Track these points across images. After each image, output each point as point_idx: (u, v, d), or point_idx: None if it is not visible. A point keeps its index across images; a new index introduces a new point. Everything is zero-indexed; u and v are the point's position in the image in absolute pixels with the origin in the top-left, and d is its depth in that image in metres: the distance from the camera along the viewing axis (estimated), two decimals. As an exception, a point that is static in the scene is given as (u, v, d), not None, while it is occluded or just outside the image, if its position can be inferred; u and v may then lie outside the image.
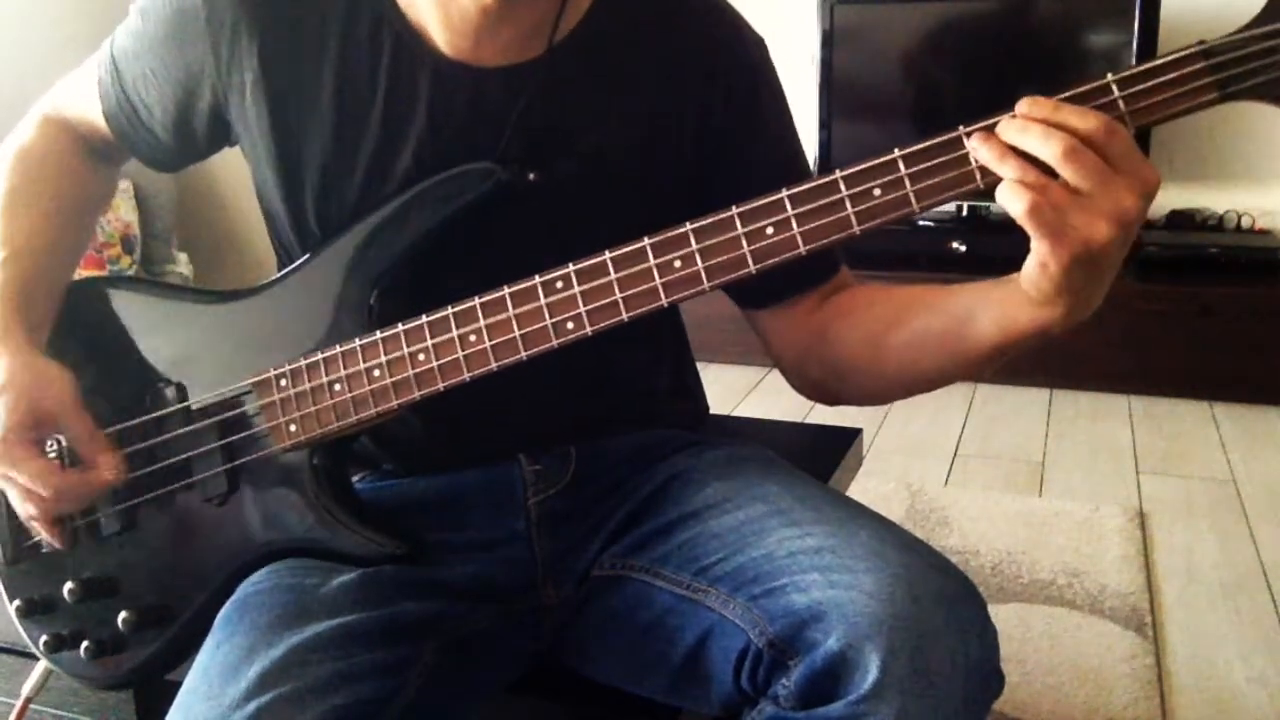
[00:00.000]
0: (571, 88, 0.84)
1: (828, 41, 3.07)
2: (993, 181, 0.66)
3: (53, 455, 0.85)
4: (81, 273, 0.94)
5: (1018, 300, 0.71)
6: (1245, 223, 2.96)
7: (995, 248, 2.89)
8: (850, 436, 1.38)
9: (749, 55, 0.90)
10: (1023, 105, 0.65)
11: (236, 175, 3.41)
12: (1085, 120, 0.63)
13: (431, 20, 0.82)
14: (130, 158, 0.97)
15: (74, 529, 0.87)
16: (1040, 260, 0.66)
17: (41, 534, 0.85)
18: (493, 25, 0.80)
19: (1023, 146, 0.64)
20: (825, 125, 3.08)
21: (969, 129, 0.66)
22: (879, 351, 0.84)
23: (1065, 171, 0.63)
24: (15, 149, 0.94)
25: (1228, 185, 3.05)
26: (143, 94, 0.89)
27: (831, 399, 0.93)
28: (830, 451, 1.33)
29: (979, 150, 0.65)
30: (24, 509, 0.83)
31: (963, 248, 2.98)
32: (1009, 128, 0.65)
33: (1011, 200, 0.64)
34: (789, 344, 0.92)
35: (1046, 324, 0.71)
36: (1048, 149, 0.63)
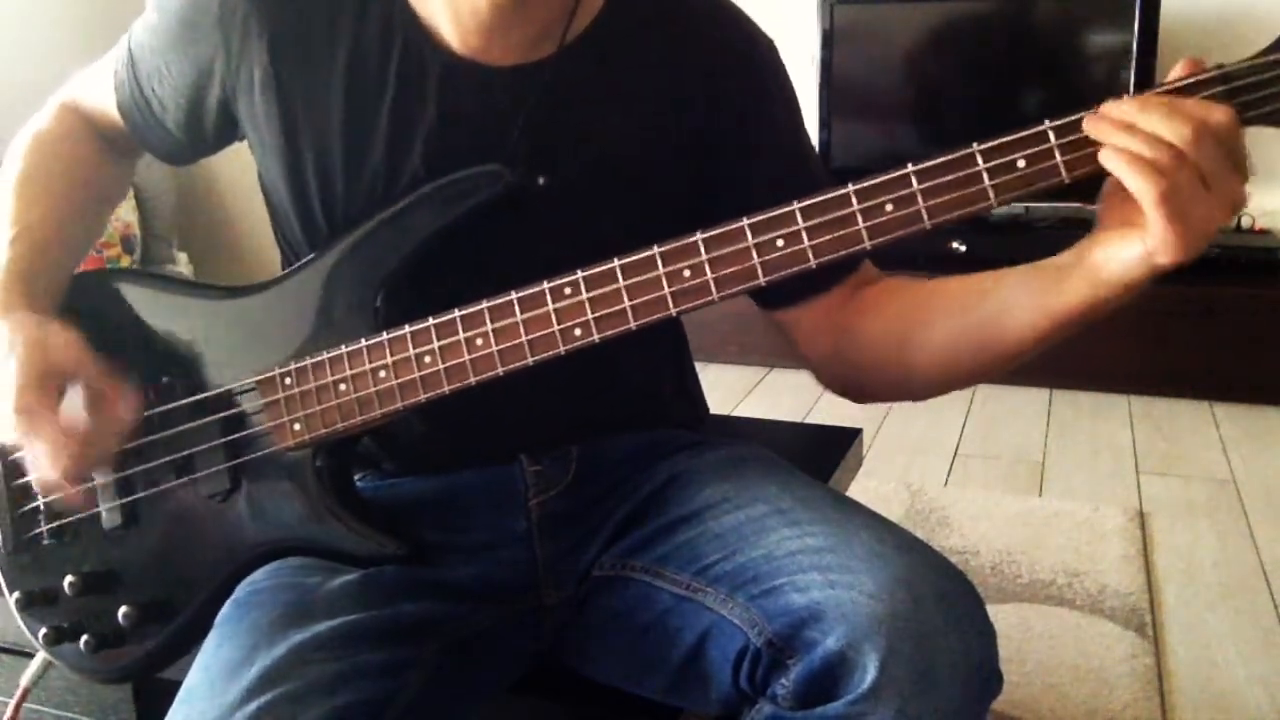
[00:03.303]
0: (581, 88, 0.84)
1: (828, 41, 3.07)
2: (1007, 200, 0.66)
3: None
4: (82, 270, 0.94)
5: (1064, 285, 0.71)
6: (1245, 223, 2.96)
7: (995, 248, 2.88)
8: (850, 436, 1.38)
9: (759, 58, 0.90)
10: (1143, 96, 0.64)
11: (236, 175, 3.41)
12: (1213, 112, 0.62)
13: (442, 18, 0.82)
14: (144, 152, 0.97)
15: (77, 522, 0.87)
16: (1150, 249, 0.64)
17: (69, 494, 0.82)
18: (504, 24, 0.80)
19: (1146, 125, 0.62)
20: (825, 125, 3.08)
21: (982, 146, 0.66)
22: (914, 348, 0.83)
23: (1197, 154, 0.61)
24: (33, 133, 0.94)
25: (1228, 185, 3.04)
26: (156, 88, 0.90)
27: (862, 396, 0.92)
28: (830, 451, 1.33)
29: (1097, 125, 0.63)
30: (52, 463, 0.79)
31: (963, 248, 2.98)
32: (1127, 107, 0.63)
33: (1144, 182, 0.62)
34: (815, 341, 0.91)
35: (1097, 305, 0.70)
36: (1177, 130, 0.62)
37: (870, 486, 2.28)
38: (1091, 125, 0.64)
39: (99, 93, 0.95)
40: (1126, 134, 0.63)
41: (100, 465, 0.83)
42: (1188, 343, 2.78)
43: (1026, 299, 0.75)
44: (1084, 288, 0.71)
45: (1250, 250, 2.85)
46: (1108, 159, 0.64)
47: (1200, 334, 2.77)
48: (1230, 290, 2.76)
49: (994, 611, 0.72)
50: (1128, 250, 0.67)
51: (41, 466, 0.79)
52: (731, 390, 2.96)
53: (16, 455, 0.88)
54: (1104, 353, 2.80)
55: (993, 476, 2.40)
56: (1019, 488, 2.34)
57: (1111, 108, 0.64)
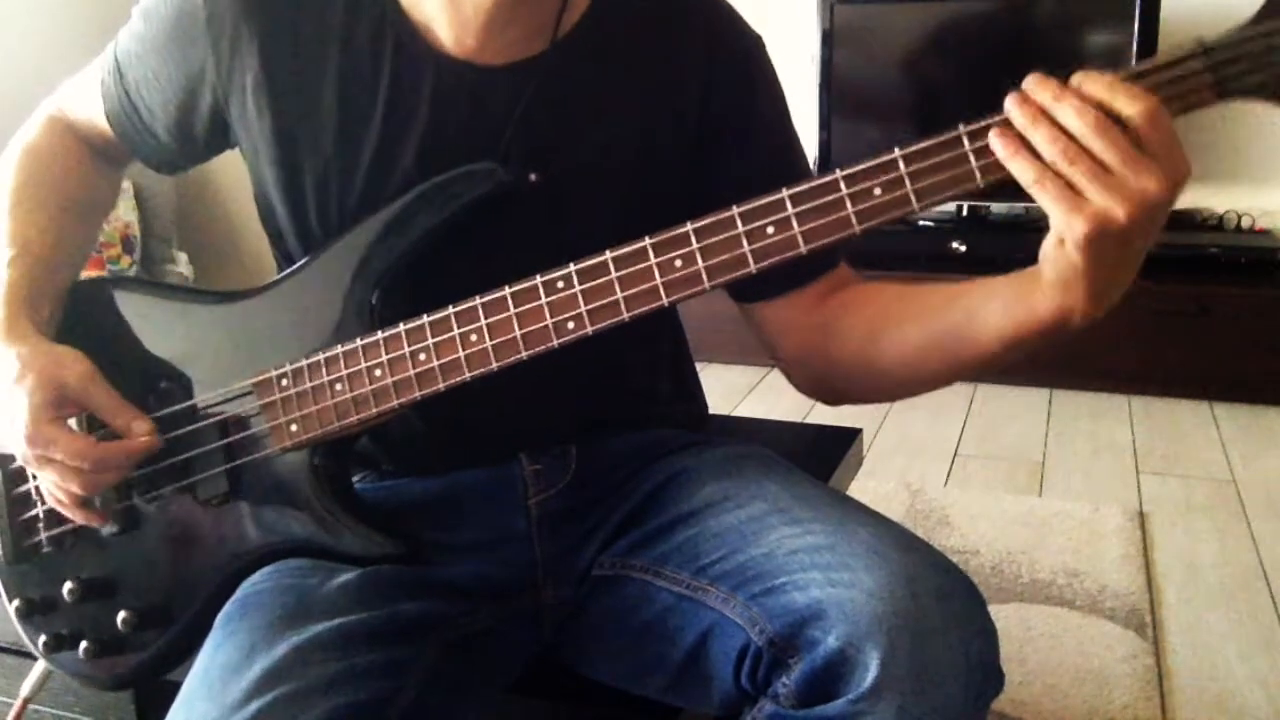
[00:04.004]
0: (573, 84, 0.84)
1: (828, 41, 3.07)
2: (992, 181, 0.66)
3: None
4: (83, 273, 0.94)
5: (1033, 288, 0.70)
6: (1245, 223, 2.96)
7: (995, 248, 2.89)
8: (850, 436, 1.38)
9: (745, 48, 0.90)
10: (1075, 79, 0.64)
11: (236, 175, 3.40)
12: (1132, 102, 0.62)
13: (438, 17, 0.82)
14: (134, 160, 0.97)
15: (76, 528, 0.87)
16: (1057, 235, 0.65)
17: (81, 518, 0.83)
18: (503, 21, 0.80)
19: (1055, 114, 0.63)
20: (825, 125, 3.08)
21: (969, 128, 0.66)
22: (883, 349, 0.84)
23: (1094, 144, 0.62)
24: (22, 147, 0.94)
25: (1228, 185, 3.05)
26: (145, 96, 0.89)
27: (833, 397, 0.93)
28: (830, 451, 1.33)
29: (1012, 110, 0.64)
30: (66, 488, 0.80)
31: (962, 248, 2.98)
32: (1044, 91, 0.63)
33: (1023, 170, 0.63)
34: (788, 339, 0.92)
35: (1061, 313, 0.70)
36: (1080, 120, 0.62)
37: (870, 486, 2.28)
38: (1011, 109, 0.64)
39: (86, 102, 0.94)
40: (1031, 125, 0.63)
41: (113, 485, 0.83)
42: (1188, 343, 2.79)
43: (996, 306, 0.75)
44: (1039, 294, 0.71)
45: (1250, 250, 2.85)
46: (994, 138, 0.65)
47: (1200, 334, 2.77)
48: (1230, 290, 2.76)
49: (994, 611, 0.72)
50: (1049, 239, 0.67)
51: (53, 494, 0.82)
52: (731, 390, 2.96)
53: (16, 464, 0.88)
54: (1104, 353, 2.80)
55: (993, 476, 2.40)
56: (1019, 488, 2.34)
57: (1039, 93, 0.64)
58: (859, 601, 0.68)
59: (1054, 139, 0.63)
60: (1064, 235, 0.64)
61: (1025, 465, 2.46)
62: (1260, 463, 2.43)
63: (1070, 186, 0.63)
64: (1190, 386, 2.83)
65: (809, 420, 2.45)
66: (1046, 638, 1.70)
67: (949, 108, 3.06)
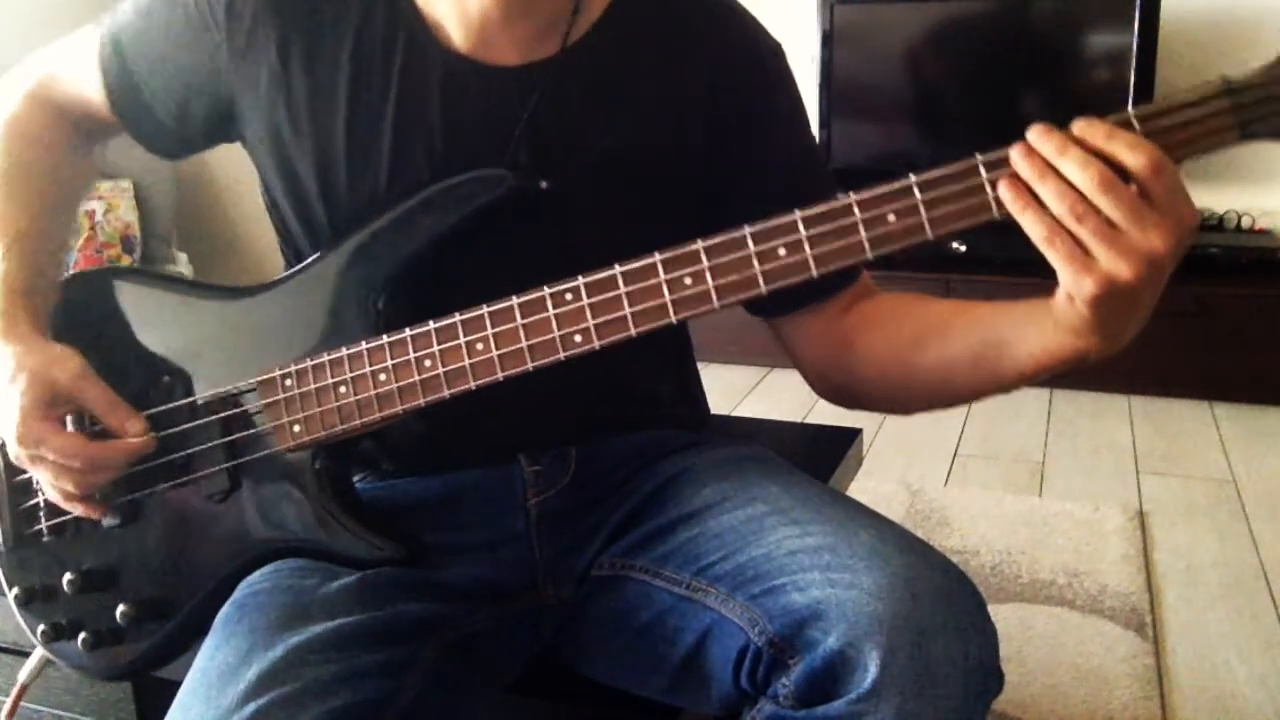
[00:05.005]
0: (584, 88, 0.84)
1: (828, 41, 3.07)
2: (1009, 212, 0.66)
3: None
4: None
5: (1053, 326, 0.71)
6: (1245, 223, 2.96)
7: (995, 248, 2.88)
8: (850, 436, 1.38)
9: (757, 54, 0.90)
10: (1076, 127, 0.63)
11: (236, 175, 3.41)
12: (1135, 154, 0.61)
13: (447, 15, 0.82)
14: (118, 135, 0.95)
15: (77, 519, 0.86)
16: (1066, 292, 0.66)
17: (81, 511, 0.83)
18: (509, 20, 0.80)
19: (1059, 168, 0.63)
20: (825, 125, 3.08)
21: (985, 158, 0.65)
22: (908, 368, 0.84)
23: (1100, 202, 0.61)
24: (6, 127, 0.92)
25: (1228, 185, 3.05)
26: (147, 76, 0.88)
27: (852, 404, 0.93)
28: (830, 451, 1.33)
29: (1018, 164, 0.64)
30: (60, 487, 0.81)
31: (963, 248, 2.97)
32: (1048, 144, 0.63)
33: (1033, 225, 0.63)
34: (808, 351, 0.92)
35: (1081, 352, 0.72)
36: (1085, 175, 0.62)
37: (870, 486, 2.28)
38: (1016, 159, 0.64)
39: (74, 76, 0.92)
40: (1039, 180, 0.63)
41: (108, 482, 0.83)
42: (1188, 343, 2.78)
43: (1018, 336, 0.76)
44: (1055, 334, 0.72)
45: (1250, 250, 2.85)
46: (1003, 190, 0.64)
47: (1200, 334, 2.77)
48: (1230, 290, 2.76)
49: (994, 611, 0.72)
50: (1059, 294, 0.67)
51: (48, 490, 0.82)
52: (731, 390, 2.96)
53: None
54: (1104, 353, 2.80)
55: (993, 476, 2.40)
56: (1019, 488, 2.34)
57: (1043, 144, 0.63)
58: (859, 602, 0.68)
59: (1061, 195, 0.62)
60: (1072, 293, 0.65)
61: (1025, 465, 2.46)
62: (1260, 463, 2.43)
63: (1079, 245, 0.63)
64: (1190, 386, 2.83)
65: (809, 420, 2.45)
66: (1046, 638, 1.70)
67: (949, 108, 3.07)
